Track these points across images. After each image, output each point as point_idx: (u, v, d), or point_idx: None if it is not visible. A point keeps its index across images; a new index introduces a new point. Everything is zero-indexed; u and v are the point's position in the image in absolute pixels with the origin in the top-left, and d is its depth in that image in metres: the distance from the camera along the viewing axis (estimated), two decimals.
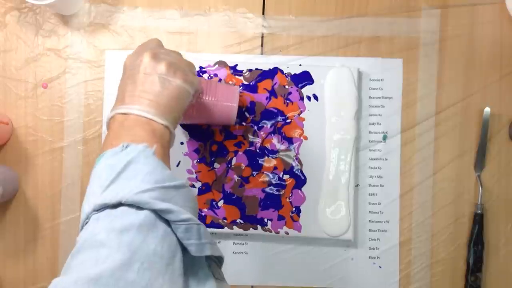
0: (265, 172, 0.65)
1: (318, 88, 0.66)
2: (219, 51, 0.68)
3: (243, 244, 0.67)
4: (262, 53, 0.68)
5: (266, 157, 0.65)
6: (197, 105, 0.58)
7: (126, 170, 0.41)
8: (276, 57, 0.67)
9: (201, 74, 0.66)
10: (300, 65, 0.66)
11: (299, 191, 0.65)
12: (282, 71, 0.66)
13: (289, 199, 0.65)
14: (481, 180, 0.67)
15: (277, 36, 0.68)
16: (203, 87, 0.58)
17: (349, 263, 0.67)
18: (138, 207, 0.38)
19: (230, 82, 0.65)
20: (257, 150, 0.65)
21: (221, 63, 0.66)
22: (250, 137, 0.65)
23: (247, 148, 0.65)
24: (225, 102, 0.59)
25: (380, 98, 0.68)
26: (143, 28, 0.68)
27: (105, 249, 0.35)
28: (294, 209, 0.65)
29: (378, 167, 0.67)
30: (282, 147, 0.65)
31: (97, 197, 0.39)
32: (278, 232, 0.65)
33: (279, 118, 0.66)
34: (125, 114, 0.45)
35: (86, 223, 0.39)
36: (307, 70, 0.66)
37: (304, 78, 0.66)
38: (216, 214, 0.65)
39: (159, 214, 0.39)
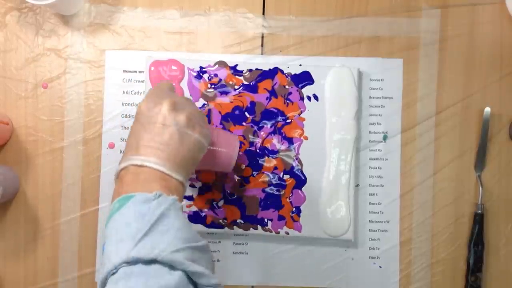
0: (265, 172, 0.65)
1: (318, 88, 0.66)
2: (219, 51, 0.68)
3: (243, 244, 0.67)
4: (262, 53, 0.68)
5: (266, 157, 0.65)
6: None
7: (160, 223, 0.40)
8: (276, 57, 0.67)
9: (201, 74, 0.66)
10: (300, 65, 0.66)
11: (299, 191, 0.65)
12: (282, 71, 0.66)
13: (289, 199, 0.65)
14: (482, 180, 0.67)
15: (277, 36, 0.68)
16: None
17: (349, 263, 0.67)
18: (170, 266, 0.38)
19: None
20: (257, 150, 0.65)
21: (221, 63, 0.66)
22: (250, 137, 0.65)
23: (248, 148, 0.65)
24: (225, 150, 0.57)
25: (380, 98, 0.68)
26: (143, 28, 0.68)
27: None
28: (294, 209, 0.65)
29: (378, 167, 0.67)
30: (282, 147, 0.65)
31: (130, 248, 0.38)
32: (278, 232, 0.65)
33: (279, 118, 0.66)
34: (140, 166, 0.44)
35: (113, 273, 0.38)
36: (307, 70, 0.66)
37: (304, 78, 0.66)
38: (216, 214, 0.65)
39: (189, 276, 0.39)
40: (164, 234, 0.39)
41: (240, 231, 0.65)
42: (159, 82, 0.51)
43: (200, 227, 0.65)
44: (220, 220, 0.65)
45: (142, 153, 0.44)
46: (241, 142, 0.65)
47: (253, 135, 0.65)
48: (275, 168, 0.65)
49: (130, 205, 0.41)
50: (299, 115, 0.66)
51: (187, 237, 0.40)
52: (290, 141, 0.65)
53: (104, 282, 0.39)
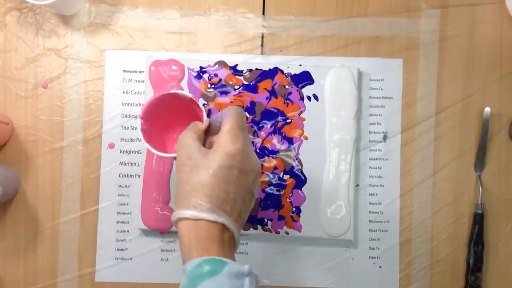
0: (265, 172, 0.65)
1: (318, 88, 0.66)
2: (219, 51, 0.68)
3: (243, 244, 0.67)
4: (262, 53, 0.68)
5: (266, 157, 0.65)
6: None
7: None
8: (276, 57, 0.68)
9: (201, 74, 0.66)
10: (300, 65, 0.66)
11: (299, 191, 0.65)
12: (282, 71, 0.66)
13: (289, 199, 0.65)
14: (481, 180, 0.67)
15: (277, 36, 0.68)
16: None
17: (349, 263, 0.67)
18: None
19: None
20: (257, 150, 0.65)
21: (221, 63, 0.66)
22: (250, 137, 0.65)
23: None
24: None
25: (380, 98, 0.68)
26: (143, 28, 0.68)
27: None
28: (294, 209, 0.65)
29: (378, 167, 0.67)
30: (282, 147, 0.65)
31: None
32: (278, 232, 0.65)
33: (279, 118, 0.66)
34: (215, 222, 0.43)
35: None
36: (307, 70, 0.66)
37: (304, 78, 0.66)
38: None
39: None
40: None
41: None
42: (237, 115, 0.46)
43: None
44: None
45: (223, 208, 0.43)
46: None
47: (253, 135, 0.65)
48: (275, 168, 0.65)
49: (225, 275, 0.40)
50: (299, 115, 0.66)
51: None
52: (290, 141, 0.65)
53: None
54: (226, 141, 0.44)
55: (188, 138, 0.46)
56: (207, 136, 0.50)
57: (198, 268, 0.40)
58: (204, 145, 0.48)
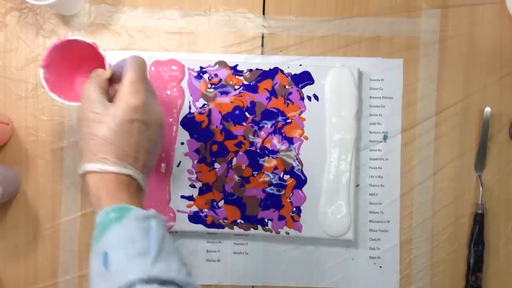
0: (265, 172, 0.65)
1: (319, 88, 0.66)
2: (220, 51, 0.68)
3: (243, 244, 0.67)
4: (262, 53, 0.68)
5: (267, 157, 0.65)
6: None
7: (164, 244, 0.41)
8: (277, 57, 0.68)
9: (201, 74, 0.66)
10: (300, 65, 0.66)
11: (300, 191, 0.65)
12: (282, 71, 0.66)
13: (289, 199, 0.65)
14: (482, 180, 0.67)
15: (278, 36, 0.68)
16: None
17: (349, 263, 0.67)
18: (180, 286, 0.39)
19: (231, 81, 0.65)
20: (258, 150, 0.65)
21: (222, 63, 0.66)
22: (251, 137, 0.65)
23: (248, 148, 0.65)
24: None
25: (380, 98, 0.68)
26: (143, 28, 0.68)
27: None
28: (294, 209, 0.65)
29: (378, 167, 0.67)
30: (283, 147, 0.65)
31: (146, 266, 0.39)
32: (278, 232, 0.65)
33: (280, 118, 0.66)
34: (121, 174, 0.45)
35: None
36: (308, 70, 0.66)
37: (305, 78, 0.66)
38: (216, 214, 0.65)
39: None
40: (171, 255, 0.40)
41: (240, 231, 0.65)
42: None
43: (200, 227, 0.65)
44: (220, 220, 0.65)
45: (124, 159, 0.45)
46: (241, 142, 0.65)
47: (253, 135, 0.65)
48: (275, 168, 0.65)
49: (132, 219, 0.41)
50: (299, 115, 0.66)
51: (181, 257, 0.42)
52: (290, 141, 0.65)
53: None
54: (127, 94, 0.45)
55: (91, 89, 0.47)
56: (112, 83, 0.50)
57: (105, 216, 0.42)
58: (108, 92, 0.49)
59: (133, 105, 0.45)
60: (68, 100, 0.56)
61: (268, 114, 0.66)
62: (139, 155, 0.46)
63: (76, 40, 0.55)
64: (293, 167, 0.65)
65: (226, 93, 0.66)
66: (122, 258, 0.39)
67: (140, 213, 0.42)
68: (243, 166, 0.65)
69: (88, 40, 0.55)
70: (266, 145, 0.65)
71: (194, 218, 0.65)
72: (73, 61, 0.59)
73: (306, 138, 0.66)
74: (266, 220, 0.65)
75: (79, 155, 0.46)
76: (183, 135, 0.65)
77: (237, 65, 0.66)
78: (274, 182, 0.65)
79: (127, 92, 0.45)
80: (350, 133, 0.65)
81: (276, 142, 0.65)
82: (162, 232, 0.42)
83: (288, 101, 0.66)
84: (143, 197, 0.47)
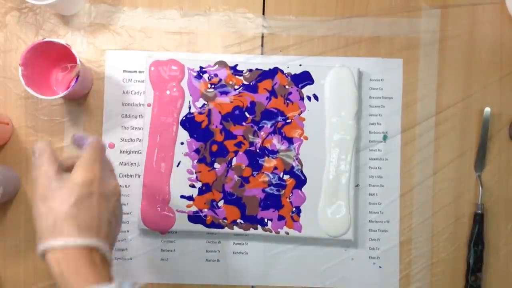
0: (265, 172, 0.65)
1: (318, 88, 0.66)
2: (219, 51, 0.68)
3: (243, 244, 0.67)
4: (262, 53, 0.68)
5: (266, 157, 0.65)
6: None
7: None
8: (276, 57, 0.68)
9: (201, 74, 0.66)
10: (300, 65, 0.66)
11: (299, 191, 0.65)
12: (282, 71, 0.66)
13: (289, 199, 0.65)
14: (481, 180, 0.67)
15: (277, 36, 0.68)
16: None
17: (349, 263, 0.67)
18: None
19: (232, 82, 0.65)
20: (257, 150, 0.65)
21: (221, 63, 0.66)
22: (250, 137, 0.65)
23: (247, 148, 0.65)
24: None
25: (380, 98, 0.68)
26: (143, 28, 0.68)
27: None
28: (294, 209, 0.65)
29: (378, 167, 0.67)
30: (282, 147, 0.65)
31: None
32: (278, 232, 0.65)
33: (279, 118, 0.66)
34: (85, 247, 0.44)
35: None
36: (307, 70, 0.66)
37: (304, 78, 0.66)
38: (216, 214, 0.65)
39: None
40: None
41: (240, 231, 0.65)
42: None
43: (200, 227, 0.65)
44: (220, 220, 0.65)
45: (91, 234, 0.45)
46: (241, 142, 0.65)
47: (253, 135, 0.65)
48: (275, 168, 0.65)
49: None
50: (299, 115, 0.66)
51: None
52: (290, 141, 0.65)
53: None
54: (82, 169, 0.46)
55: (45, 166, 0.47)
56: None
57: None
58: (62, 162, 0.49)
59: (88, 179, 0.46)
60: (43, 95, 0.60)
61: (268, 114, 0.66)
62: (101, 226, 0.46)
63: (52, 42, 0.60)
64: (292, 167, 0.65)
65: (226, 93, 0.66)
66: None
67: None
68: (243, 166, 0.65)
69: (62, 41, 0.60)
70: (266, 145, 0.65)
71: (194, 218, 0.65)
72: (49, 59, 0.64)
73: (306, 138, 0.66)
74: (265, 220, 0.65)
75: (39, 237, 0.45)
76: (183, 135, 0.65)
77: (237, 65, 0.66)
78: (273, 182, 0.65)
79: (82, 168, 0.46)
80: (350, 133, 0.65)
81: (276, 142, 0.66)
82: None
83: (288, 101, 0.66)
84: (110, 267, 0.46)
